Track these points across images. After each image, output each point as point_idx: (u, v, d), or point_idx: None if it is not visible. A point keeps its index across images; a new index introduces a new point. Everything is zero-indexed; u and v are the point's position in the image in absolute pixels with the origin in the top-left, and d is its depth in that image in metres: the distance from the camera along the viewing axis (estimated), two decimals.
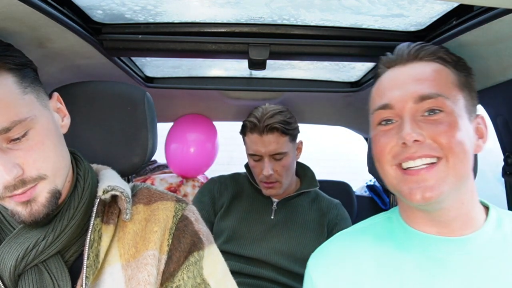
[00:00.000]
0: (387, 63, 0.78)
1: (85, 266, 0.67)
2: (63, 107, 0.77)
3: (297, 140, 1.51)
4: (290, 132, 1.41)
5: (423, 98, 0.69)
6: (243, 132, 1.49)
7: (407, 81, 0.72)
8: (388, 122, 0.73)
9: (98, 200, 0.73)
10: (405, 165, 0.69)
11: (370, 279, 0.73)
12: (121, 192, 0.74)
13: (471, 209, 0.73)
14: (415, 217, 0.75)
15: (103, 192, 0.73)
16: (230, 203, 1.51)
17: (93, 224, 0.71)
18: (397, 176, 0.71)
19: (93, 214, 0.71)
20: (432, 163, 0.68)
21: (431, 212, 0.72)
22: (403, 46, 0.76)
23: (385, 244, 0.76)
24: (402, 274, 0.71)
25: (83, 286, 0.66)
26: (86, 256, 0.68)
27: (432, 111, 0.69)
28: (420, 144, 0.68)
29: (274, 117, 1.39)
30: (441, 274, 0.69)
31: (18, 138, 0.63)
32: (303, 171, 1.60)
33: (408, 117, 0.69)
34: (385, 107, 0.72)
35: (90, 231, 0.70)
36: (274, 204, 1.49)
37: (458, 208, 0.71)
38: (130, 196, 0.76)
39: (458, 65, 0.75)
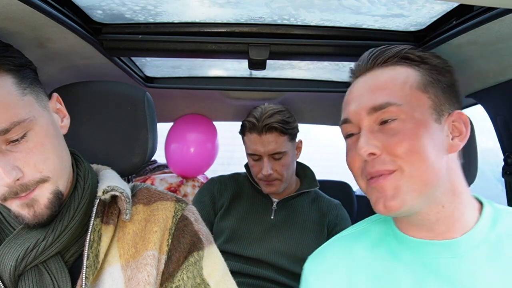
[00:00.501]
0: (352, 73, 0.78)
1: (84, 267, 0.67)
2: (62, 107, 0.77)
3: (297, 140, 1.51)
4: (289, 131, 1.41)
5: (374, 109, 0.69)
6: (242, 132, 1.49)
7: (361, 93, 0.72)
8: (352, 136, 0.74)
9: (98, 200, 0.73)
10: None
11: (364, 284, 0.73)
12: (121, 193, 0.74)
13: (455, 211, 0.70)
14: (401, 222, 0.74)
15: (103, 192, 0.73)
16: (230, 203, 1.51)
17: (93, 224, 0.71)
18: (366, 187, 0.72)
19: (93, 215, 0.71)
20: (391, 172, 0.67)
21: (410, 217, 0.70)
22: (365, 54, 0.76)
23: (378, 250, 0.75)
24: (395, 279, 0.71)
25: (83, 286, 0.66)
26: (85, 257, 0.68)
27: (385, 121, 0.69)
28: (376, 158, 0.68)
29: (273, 116, 1.39)
30: (432, 278, 0.68)
31: (17, 140, 0.63)
32: (303, 171, 1.59)
33: (365, 130, 0.70)
34: (345, 121, 0.74)
35: (89, 231, 0.70)
36: (274, 204, 1.48)
37: (438, 212, 0.69)
38: (129, 197, 0.76)
39: (425, 61, 0.72)
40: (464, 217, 0.71)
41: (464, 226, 0.70)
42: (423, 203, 0.68)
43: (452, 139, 0.70)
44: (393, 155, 0.66)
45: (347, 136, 0.75)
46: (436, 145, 0.67)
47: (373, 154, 0.67)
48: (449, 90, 0.72)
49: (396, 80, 0.70)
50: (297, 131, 1.48)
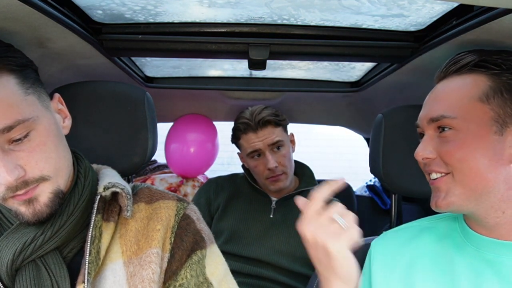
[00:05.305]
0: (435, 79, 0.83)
1: (87, 262, 0.67)
2: (64, 108, 0.77)
3: (288, 133, 1.53)
4: (282, 122, 1.46)
5: (431, 120, 0.75)
6: (236, 136, 1.50)
7: (428, 102, 0.79)
8: (422, 137, 0.81)
9: (99, 196, 0.73)
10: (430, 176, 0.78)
11: (423, 271, 0.77)
12: (122, 189, 0.74)
13: None
14: (469, 219, 0.78)
15: (104, 188, 0.74)
16: (227, 203, 1.51)
17: (94, 220, 0.71)
18: (430, 184, 0.79)
19: (94, 211, 0.72)
20: (445, 175, 0.74)
21: (471, 216, 0.75)
22: (446, 62, 0.79)
23: (444, 242, 0.80)
24: (454, 271, 0.74)
25: (85, 282, 0.66)
26: (88, 252, 0.68)
27: (442, 129, 0.74)
28: (431, 161, 0.75)
29: (263, 112, 1.44)
30: (491, 276, 0.70)
31: (19, 139, 0.64)
32: (301, 170, 1.60)
33: (426, 136, 0.77)
34: (417, 125, 0.82)
35: (91, 227, 0.70)
36: (273, 203, 1.49)
37: (497, 217, 0.71)
38: (130, 193, 0.77)
39: (503, 69, 0.71)
40: None
41: None
42: (473, 206, 0.72)
43: None
44: (444, 161, 0.73)
45: (420, 136, 0.83)
46: (490, 156, 0.69)
47: (427, 158, 0.75)
48: None
49: (457, 92, 0.73)
50: (287, 122, 1.52)
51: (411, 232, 0.85)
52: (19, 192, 0.64)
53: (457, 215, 0.83)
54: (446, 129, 0.73)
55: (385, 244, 0.85)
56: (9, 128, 0.62)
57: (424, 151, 0.76)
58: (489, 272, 0.71)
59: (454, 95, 0.73)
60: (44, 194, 0.67)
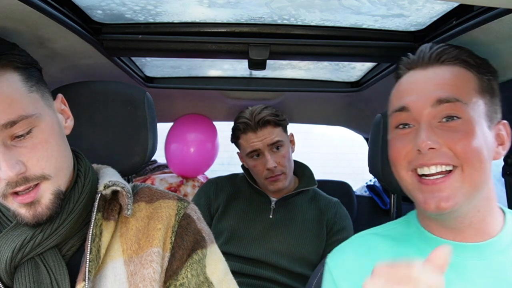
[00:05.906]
0: (407, 64, 0.76)
1: (88, 260, 0.67)
2: (67, 108, 0.78)
3: (288, 133, 1.53)
4: (281, 122, 1.46)
5: (440, 101, 0.68)
6: (236, 136, 1.50)
7: (426, 85, 0.71)
8: (406, 126, 0.72)
9: (99, 195, 0.73)
10: (420, 171, 0.69)
11: None
12: (122, 188, 0.74)
13: (487, 216, 0.71)
14: (431, 224, 0.75)
15: (104, 187, 0.74)
16: (227, 204, 1.51)
17: (95, 218, 0.71)
18: (413, 183, 0.71)
19: (95, 209, 0.72)
20: (448, 172, 0.67)
21: (445, 220, 0.72)
22: (425, 48, 0.74)
23: (403, 249, 0.76)
24: None
25: (86, 280, 0.66)
26: (88, 250, 0.68)
27: (450, 117, 0.68)
28: (435, 152, 0.67)
29: (262, 112, 1.43)
30: (455, 279, 0.69)
31: (22, 135, 0.64)
32: (301, 170, 1.60)
33: (425, 123, 0.69)
34: (402, 109, 0.72)
35: (92, 225, 0.70)
36: (273, 203, 1.48)
37: (473, 216, 0.70)
38: (131, 192, 0.77)
39: (482, 68, 0.72)
40: (493, 223, 0.72)
41: (490, 232, 0.71)
42: (468, 204, 0.69)
43: (497, 146, 0.71)
44: (454, 152, 0.67)
45: (398, 125, 0.73)
46: (488, 150, 0.68)
47: (433, 148, 0.67)
48: (497, 100, 0.73)
49: (461, 79, 0.70)
50: (287, 123, 1.52)
51: (367, 241, 0.81)
52: (18, 188, 0.64)
53: (409, 220, 0.80)
54: (454, 117, 0.67)
55: (343, 257, 0.80)
56: (12, 123, 0.62)
57: (430, 140, 0.66)
58: (453, 275, 0.69)
59: (461, 82, 0.70)
60: (45, 196, 0.67)
